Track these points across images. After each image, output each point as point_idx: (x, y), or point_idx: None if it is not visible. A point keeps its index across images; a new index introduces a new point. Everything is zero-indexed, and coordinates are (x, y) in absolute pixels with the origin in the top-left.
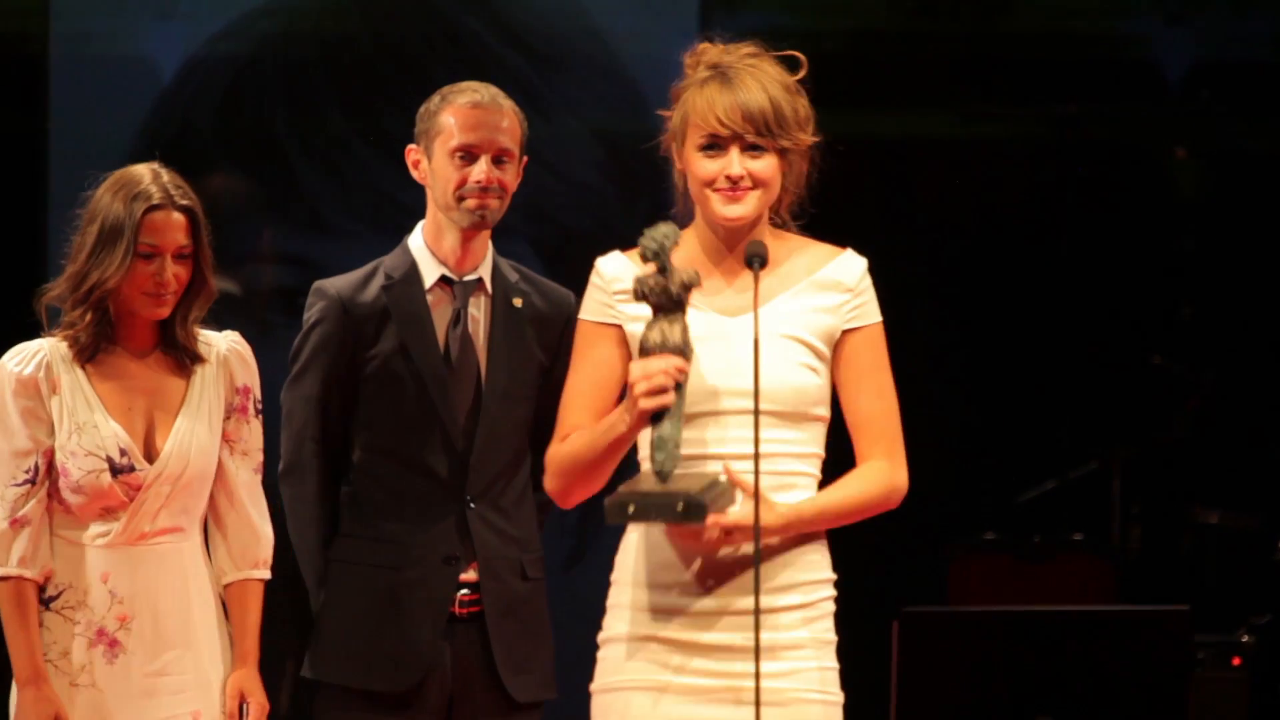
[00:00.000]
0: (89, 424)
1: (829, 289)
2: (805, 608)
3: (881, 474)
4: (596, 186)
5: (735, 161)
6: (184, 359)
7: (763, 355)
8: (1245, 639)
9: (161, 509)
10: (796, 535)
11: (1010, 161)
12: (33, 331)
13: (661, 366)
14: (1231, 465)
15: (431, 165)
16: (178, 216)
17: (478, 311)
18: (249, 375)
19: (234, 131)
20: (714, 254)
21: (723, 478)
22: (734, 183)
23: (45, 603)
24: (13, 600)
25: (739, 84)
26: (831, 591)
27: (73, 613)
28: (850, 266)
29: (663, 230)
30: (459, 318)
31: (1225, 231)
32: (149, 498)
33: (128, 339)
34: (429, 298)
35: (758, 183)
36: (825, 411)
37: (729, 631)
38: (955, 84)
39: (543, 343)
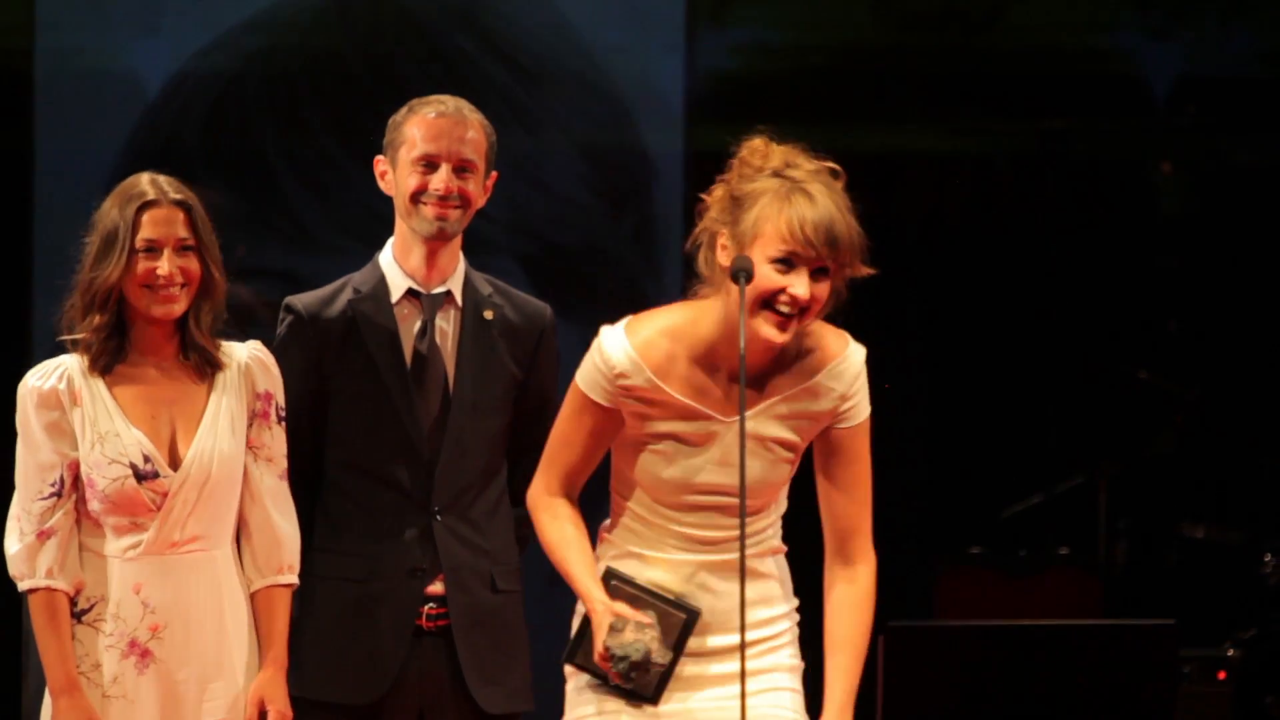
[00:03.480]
0: (110, 433)
1: (823, 395)
2: (757, 643)
3: (867, 589)
4: (582, 201)
5: (804, 284)
6: (202, 364)
7: (750, 459)
8: (1230, 653)
9: (190, 516)
10: (754, 571)
11: (996, 176)
12: (21, 341)
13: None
14: (1217, 480)
15: (396, 175)
16: (174, 211)
17: (446, 324)
18: (270, 382)
19: (220, 146)
20: (718, 349)
21: (665, 608)
22: (794, 303)
23: (76, 616)
24: (44, 611)
25: (822, 204)
26: (786, 624)
27: (104, 625)
28: (848, 368)
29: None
30: (425, 330)
31: (1211, 246)
32: (176, 505)
33: (146, 349)
34: (396, 311)
35: (815, 305)
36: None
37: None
38: (941, 99)
39: (515, 355)
